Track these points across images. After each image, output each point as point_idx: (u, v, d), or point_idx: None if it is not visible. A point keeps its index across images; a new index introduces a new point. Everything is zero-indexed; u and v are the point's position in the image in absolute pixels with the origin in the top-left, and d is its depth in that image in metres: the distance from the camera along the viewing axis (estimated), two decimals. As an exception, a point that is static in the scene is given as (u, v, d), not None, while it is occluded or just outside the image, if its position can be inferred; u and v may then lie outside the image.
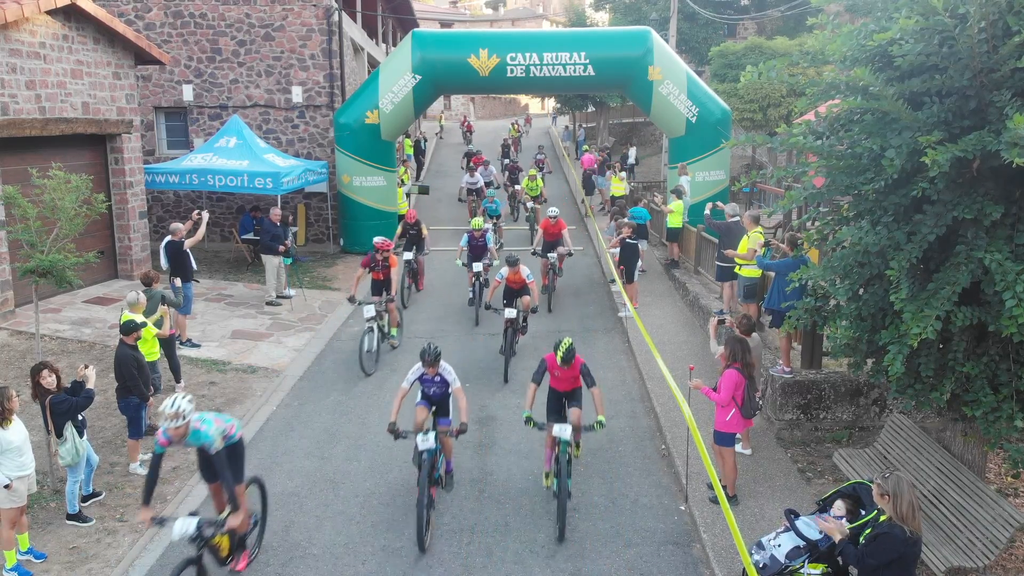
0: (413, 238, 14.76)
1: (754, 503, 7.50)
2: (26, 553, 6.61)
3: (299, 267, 15.77)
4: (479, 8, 74.52)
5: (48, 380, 7.02)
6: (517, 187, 21.66)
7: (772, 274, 9.64)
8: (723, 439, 7.41)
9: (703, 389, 7.25)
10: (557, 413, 7.70)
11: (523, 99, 61.26)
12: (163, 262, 11.96)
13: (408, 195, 20.25)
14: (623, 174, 21.98)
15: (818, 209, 7.65)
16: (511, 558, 6.81)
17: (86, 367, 7.30)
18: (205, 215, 12.99)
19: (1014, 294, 4.97)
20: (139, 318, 8.47)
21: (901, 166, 5.40)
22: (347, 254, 18.55)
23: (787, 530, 5.76)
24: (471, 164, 22.96)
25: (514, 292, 11.52)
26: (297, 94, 18.75)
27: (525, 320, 11.62)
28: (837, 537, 5.08)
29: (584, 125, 39.89)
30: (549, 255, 14.28)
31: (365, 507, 7.61)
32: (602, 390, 7.97)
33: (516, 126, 36.94)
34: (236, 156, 15.82)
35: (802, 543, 5.61)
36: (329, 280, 16.19)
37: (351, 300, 11.57)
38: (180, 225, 12.14)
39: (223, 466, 5.87)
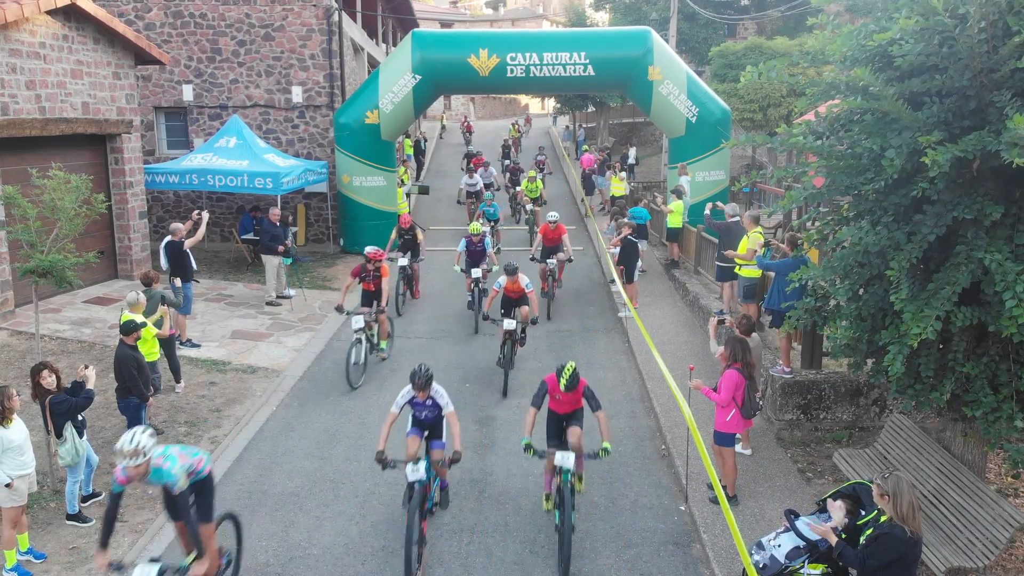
0: (408, 243, 14.33)
1: (754, 503, 7.50)
2: (26, 553, 6.61)
3: (299, 267, 15.77)
4: (479, 8, 74.52)
5: (48, 380, 7.03)
6: (518, 188, 21.42)
7: (772, 274, 9.64)
8: (723, 439, 7.41)
9: (703, 389, 7.24)
10: (558, 437, 7.30)
11: (523, 99, 61.25)
12: (163, 262, 11.96)
13: (408, 195, 20.21)
14: (623, 174, 21.96)
15: (818, 209, 7.66)
16: (511, 558, 6.80)
17: (86, 367, 7.30)
18: (205, 215, 12.99)
19: (1014, 294, 4.97)
20: (139, 318, 8.47)
21: (901, 166, 5.40)
22: (347, 254, 18.54)
23: (787, 530, 5.75)
24: (471, 165, 22.65)
25: (512, 301, 11.10)
26: (297, 94, 18.75)
27: (524, 332, 11.12)
28: (832, 540, 5.08)
29: (584, 125, 39.89)
30: (548, 261, 13.97)
31: (365, 507, 7.61)
32: (608, 415, 7.45)
33: (516, 126, 36.89)
34: (236, 156, 15.82)
35: (802, 543, 5.61)
36: (329, 280, 16.19)
37: (339, 310, 11.11)
38: (180, 225, 12.14)
39: (187, 508, 5.53)
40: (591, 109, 39.90)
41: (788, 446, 8.72)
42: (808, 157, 7.01)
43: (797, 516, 5.82)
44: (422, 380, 6.80)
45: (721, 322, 9.38)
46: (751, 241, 10.60)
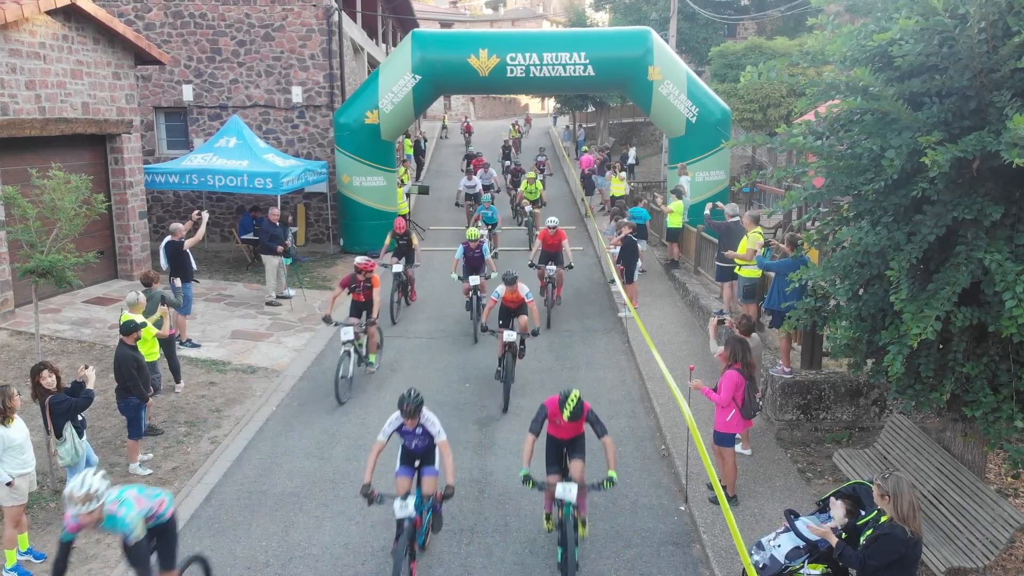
0: (403, 249, 13.86)
1: (754, 503, 7.50)
2: (26, 553, 6.61)
3: (299, 267, 15.77)
4: (479, 8, 74.52)
5: (48, 380, 7.03)
6: (519, 190, 21.25)
7: (772, 274, 9.64)
8: (723, 439, 7.41)
9: (703, 390, 7.24)
10: (558, 463, 6.78)
11: (523, 99, 61.25)
12: (163, 262, 11.96)
13: (408, 195, 20.19)
14: (623, 174, 21.97)
15: (818, 209, 7.66)
16: (511, 558, 6.80)
17: (86, 367, 7.30)
18: (205, 215, 12.99)
19: (1014, 294, 4.97)
20: (139, 318, 8.47)
21: (901, 166, 5.40)
22: (347, 254, 18.53)
23: (787, 530, 5.75)
24: (470, 167, 22.33)
25: (511, 311, 10.62)
26: (297, 94, 18.75)
27: (523, 343, 10.60)
28: (833, 541, 5.08)
29: (584, 125, 39.89)
30: (548, 268, 13.45)
31: (365, 507, 7.59)
32: (613, 439, 6.91)
33: (516, 127, 36.86)
34: (236, 156, 15.82)
35: (802, 543, 5.61)
36: (329, 280, 16.18)
37: (327, 320, 10.58)
38: (180, 225, 12.14)
39: (145, 557, 5.10)
40: (591, 109, 39.91)
41: (788, 446, 8.72)
42: (808, 157, 7.02)
43: (797, 516, 5.82)
44: (411, 407, 6.26)
45: (721, 322, 9.38)
46: (751, 241, 10.60)
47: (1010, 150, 4.78)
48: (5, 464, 6.28)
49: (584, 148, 29.54)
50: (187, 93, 18.65)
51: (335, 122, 18.03)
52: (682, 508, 7.59)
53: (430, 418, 6.45)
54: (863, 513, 5.46)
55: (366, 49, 24.46)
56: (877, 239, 5.71)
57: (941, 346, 5.97)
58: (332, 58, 18.58)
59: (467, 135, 36.85)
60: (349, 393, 10.14)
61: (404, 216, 19.15)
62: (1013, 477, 7.26)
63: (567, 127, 41.41)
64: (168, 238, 11.89)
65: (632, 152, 30.10)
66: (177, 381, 10.11)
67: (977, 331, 5.82)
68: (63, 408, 6.96)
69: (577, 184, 25.92)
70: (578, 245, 18.56)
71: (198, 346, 11.68)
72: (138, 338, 8.16)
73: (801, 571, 5.56)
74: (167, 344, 9.69)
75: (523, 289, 10.43)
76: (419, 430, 6.46)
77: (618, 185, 20.81)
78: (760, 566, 5.66)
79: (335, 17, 18.54)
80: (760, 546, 5.83)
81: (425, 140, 33.32)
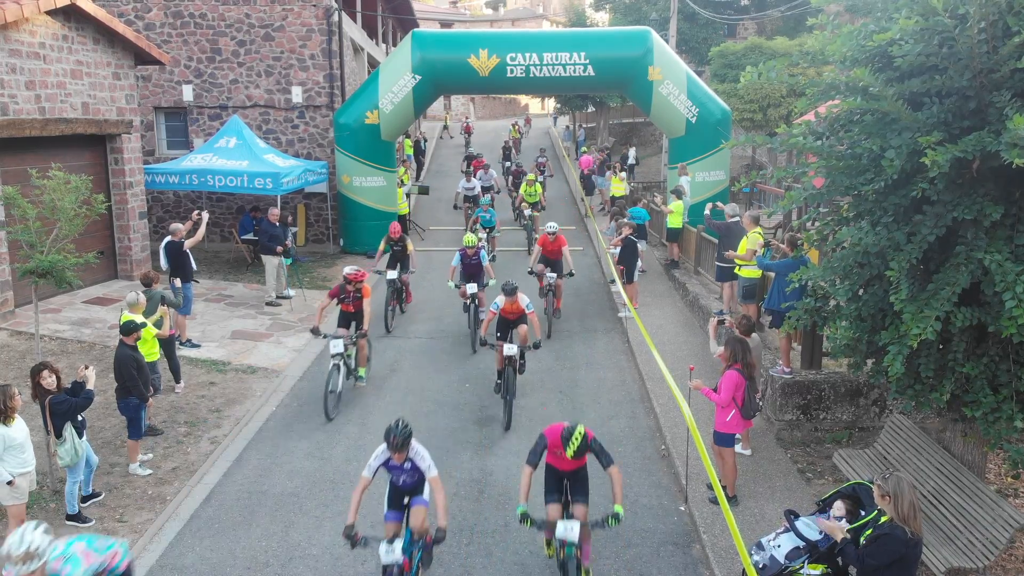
0: (397, 255, 13.39)
1: (754, 504, 7.50)
2: (26, 554, 6.60)
3: (299, 267, 15.77)
4: (479, 8, 74.52)
5: (48, 380, 7.03)
6: (519, 193, 20.94)
7: (772, 274, 9.64)
8: (723, 440, 7.41)
9: (703, 390, 7.24)
10: (558, 492, 6.30)
11: (523, 99, 61.24)
12: (163, 262, 11.95)
13: (408, 195, 20.19)
14: (623, 174, 21.96)
15: (818, 210, 7.65)
16: (511, 559, 6.80)
17: (86, 368, 7.30)
18: (205, 215, 12.99)
19: (1014, 295, 4.97)
20: (139, 318, 8.47)
21: (901, 167, 5.40)
22: (347, 254, 18.55)
23: (787, 531, 5.75)
24: (470, 168, 22.01)
25: (510, 323, 10.15)
26: (297, 94, 18.75)
27: (523, 357, 10.04)
28: (838, 537, 5.08)
29: (584, 125, 39.89)
30: (548, 276, 12.91)
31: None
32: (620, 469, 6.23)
33: (516, 127, 36.80)
34: (236, 156, 15.82)
35: (802, 544, 5.61)
36: (329, 280, 16.18)
37: (314, 332, 9.96)
38: (180, 225, 12.14)
39: None
40: (591, 109, 39.92)
41: (788, 446, 8.72)
42: (808, 157, 7.01)
43: (797, 516, 5.82)
44: (399, 439, 5.67)
45: (721, 322, 9.38)
46: (751, 241, 10.60)
47: (1010, 150, 4.78)
48: (6, 463, 6.31)
49: (583, 149, 29.52)
50: (187, 93, 18.66)
51: (335, 122, 18.03)
52: (682, 508, 7.59)
53: (420, 451, 5.89)
54: (863, 513, 5.47)
55: (366, 49, 24.47)
56: (877, 239, 5.71)
57: (941, 346, 5.97)
58: (332, 58, 18.59)
59: (467, 135, 36.77)
60: (338, 409, 9.68)
61: (404, 216, 19.22)
62: (1013, 477, 7.26)
63: (567, 127, 41.40)
64: (168, 238, 11.89)
65: (632, 152, 30.11)
66: (177, 381, 10.11)
67: (977, 331, 5.82)
68: (63, 408, 6.96)
69: (577, 184, 25.92)
70: (578, 245, 18.56)
71: (198, 346, 11.68)
72: (138, 338, 8.16)
73: (801, 571, 5.56)
74: (167, 344, 9.69)
75: (523, 300, 9.96)
76: (407, 465, 5.91)
77: (618, 185, 20.80)
78: (760, 566, 5.66)
79: (335, 17, 18.54)
80: (760, 546, 5.83)
81: (425, 140, 33.30)
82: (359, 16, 24.48)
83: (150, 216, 17.46)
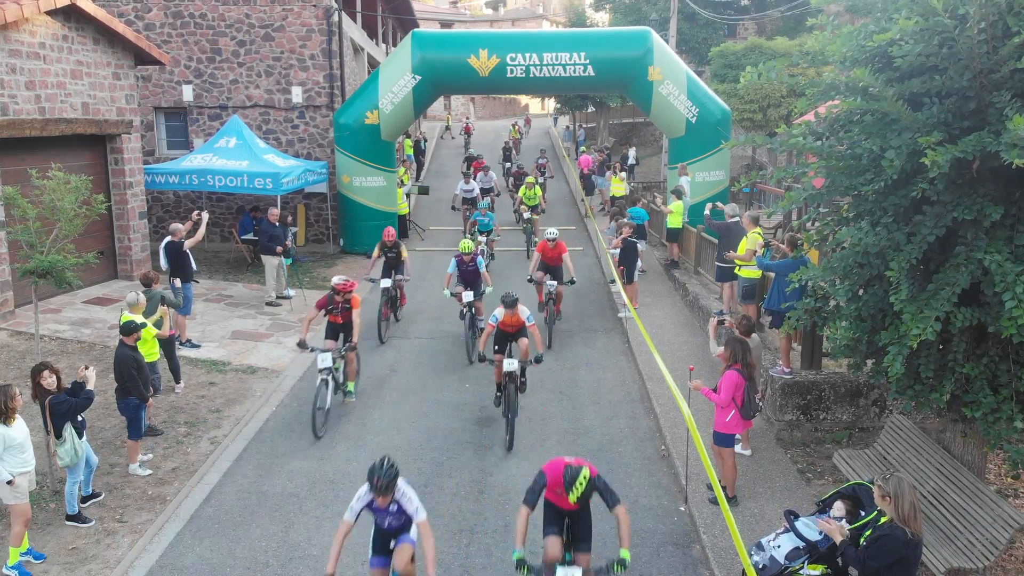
0: (392, 261, 12.79)
1: (754, 504, 7.49)
2: (26, 554, 6.61)
3: (299, 267, 15.77)
4: (479, 8, 74.53)
5: (48, 381, 7.03)
6: (518, 195, 20.64)
7: (772, 275, 9.64)
8: (723, 440, 7.41)
9: (703, 390, 7.24)
10: (557, 524, 5.90)
11: (523, 99, 61.24)
12: (163, 263, 11.95)
13: (408, 195, 20.18)
14: (623, 174, 21.97)
15: (818, 210, 7.65)
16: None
17: (86, 368, 7.30)
18: (205, 216, 12.98)
19: (1014, 295, 4.97)
20: (139, 319, 8.47)
21: (901, 167, 5.40)
22: (347, 254, 18.56)
23: (787, 531, 5.75)
24: (470, 169, 21.83)
25: (508, 336, 9.66)
26: (297, 94, 18.75)
27: (523, 374, 9.48)
28: (838, 538, 5.08)
29: (584, 125, 39.90)
30: (548, 283, 12.41)
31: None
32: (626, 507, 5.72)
33: (516, 127, 36.78)
34: (236, 156, 15.82)
35: (802, 544, 5.61)
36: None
37: (301, 346, 9.39)
38: (180, 226, 12.14)
39: None
40: (591, 109, 39.93)
41: (788, 447, 8.72)
42: (808, 158, 7.01)
43: (797, 517, 5.82)
44: (383, 482, 5.15)
45: (721, 322, 9.38)
46: (751, 242, 10.60)
47: (1010, 150, 4.78)
48: (6, 463, 6.33)
49: (583, 149, 29.53)
50: (187, 93, 18.66)
51: (335, 122, 18.04)
52: (682, 509, 7.59)
53: (406, 493, 5.41)
54: (863, 514, 5.46)
55: (366, 49, 24.47)
56: (877, 239, 5.71)
57: (941, 347, 5.97)
58: (332, 58, 18.59)
59: (467, 136, 36.71)
60: (325, 428, 9.23)
61: (404, 216, 19.22)
62: (1013, 477, 7.26)
63: (567, 127, 41.41)
64: (168, 238, 11.89)
65: (632, 152, 30.12)
66: (177, 381, 10.11)
67: (977, 332, 5.82)
68: (63, 408, 6.96)
69: (577, 184, 25.93)
70: (578, 245, 18.56)
71: (198, 346, 11.68)
72: (138, 338, 8.16)
73: (801, 572, 5.56)
74: (167, 344, 9.68)
75: (524, 312, 9.36)
76: (393, 507, 5.42)
77: (618, 185, 20.81)
78: (760, 567, 5.66)
79: (335, 17, 18.54)
80: (760, 547, 5.83)
81: (425, 140, 33.30)
82: (359, 16, 24.49)
83: (150, 216, 17.46)
